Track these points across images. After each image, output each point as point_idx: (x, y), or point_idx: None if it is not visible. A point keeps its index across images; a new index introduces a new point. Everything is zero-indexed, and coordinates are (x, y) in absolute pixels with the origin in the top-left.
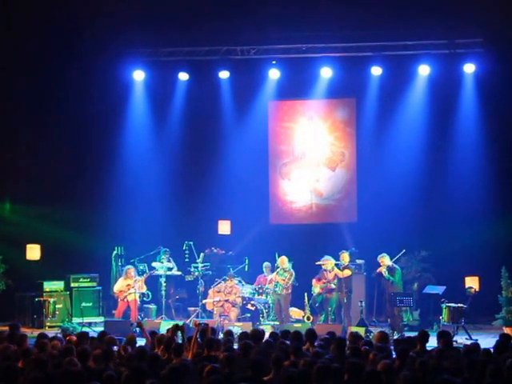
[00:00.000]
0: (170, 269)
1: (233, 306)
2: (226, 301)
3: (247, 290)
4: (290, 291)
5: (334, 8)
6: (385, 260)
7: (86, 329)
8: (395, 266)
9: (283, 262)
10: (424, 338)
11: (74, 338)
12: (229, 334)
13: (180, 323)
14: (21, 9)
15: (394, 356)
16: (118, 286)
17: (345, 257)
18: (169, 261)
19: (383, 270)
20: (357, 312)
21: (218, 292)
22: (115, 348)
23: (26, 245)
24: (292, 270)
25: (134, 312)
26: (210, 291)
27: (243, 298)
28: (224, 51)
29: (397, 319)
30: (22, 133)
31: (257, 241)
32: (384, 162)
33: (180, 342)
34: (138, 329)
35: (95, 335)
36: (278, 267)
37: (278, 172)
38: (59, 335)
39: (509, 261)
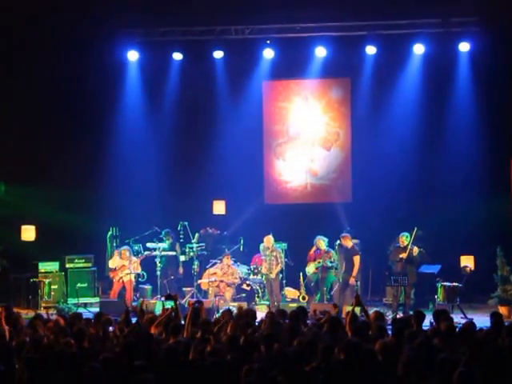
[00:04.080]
0: (165, 249)
1: (228, 286)
2: (222, 281)
3: (242, 270)
4: (278, 270)
5: None
6: (406, 240)
7: (81, 309)
8: (413, 245)
9: (269, 241)
10: (419, 317)
11: (62, 320)
12: (228, 313)
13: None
14: None
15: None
16: (113, 263)
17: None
18: (171, 243)
19: (416, 250)
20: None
21: (214, 273)
22: (111, 329)
23: (21, 226)
24: (279, 249)
25: (129, 292)
26: (206, 273)
27: (239, 278)
28: (218, 31)
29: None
30: (16, 114)
31: (252, 221)
32: (379, 141)
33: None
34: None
35: (90, 316)
36: (266, 248)
37: (272, 152)
38: (53, 316)
39: (504, 240)
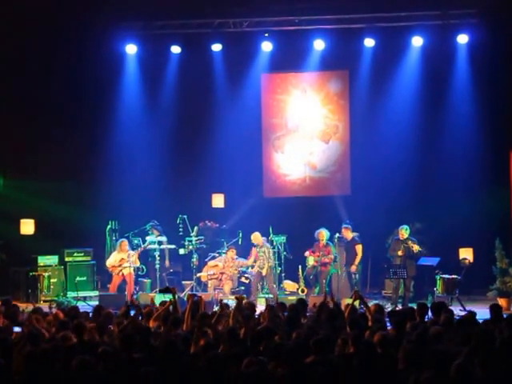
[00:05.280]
0: (161, 242)
1: (229, 279)
2: (222, 273)
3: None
4: (269, 267)
5: None
6: (405, 233)
7: (80, 303)
8: (413, 238)
9: (256, 238)
10: (422, 310)
11: (61, 313)
12: (225, 306)
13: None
14: None
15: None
16: (112, 260)
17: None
18: (161, 235)
19: (417, 248)
20: (351, 284)
21: (216, 266)
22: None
23: (20, 219)
24: (267, 244)
25: (130, 286)
26: (206, 266)
27: (238, 272)
28: (216, 24)
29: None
30: (15, 107)
31: (250, 214)
32: (377, 134)
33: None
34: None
35: (90, 309)
36: (256, 245)
37: (271, 145)
38: (53, 309)
39: (502, 232)
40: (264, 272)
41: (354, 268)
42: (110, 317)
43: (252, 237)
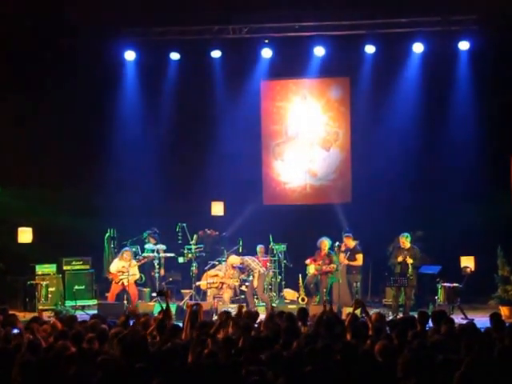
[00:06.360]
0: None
1: (229, 288)
2: (222, 283)
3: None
4: (257, 277)
5: None
6: (406, 241)
7: (79, 312)
8: (414, 246)
9: (233, 260)
10: (423, 318)
11: (59, 323)
12: (226, 314)
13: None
14: None
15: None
16: (114, 267)
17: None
18: (157, 243)
19: (410, 260)
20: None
21: (216, 275)
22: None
23: (18, 228)
24: (245, 258)
25: (134, 297)
26: (205, 275)
27: (238, 281)
28: (216, 30)
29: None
30: (12, 115)
31: (250, 222)
32: (378, 141)
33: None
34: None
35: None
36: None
37: (271, 152)
38: (51, 319)
39: (504, 240)
40: (255, 282)
41: (346, 261)
42: (95, 326)
43: (230, 260)
